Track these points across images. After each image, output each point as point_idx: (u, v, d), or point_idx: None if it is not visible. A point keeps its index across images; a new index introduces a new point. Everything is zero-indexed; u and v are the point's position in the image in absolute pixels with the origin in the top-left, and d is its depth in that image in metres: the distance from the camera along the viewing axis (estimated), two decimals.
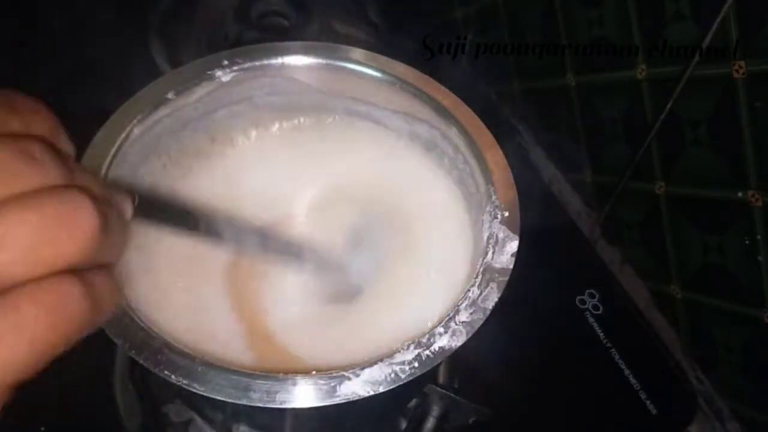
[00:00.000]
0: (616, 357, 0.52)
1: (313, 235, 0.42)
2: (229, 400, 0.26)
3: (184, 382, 0.27)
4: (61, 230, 0.17)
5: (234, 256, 0.37)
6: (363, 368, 0.28)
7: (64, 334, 0.17)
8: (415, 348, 0.29)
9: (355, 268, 0.40)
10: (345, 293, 0.39)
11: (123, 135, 0.34)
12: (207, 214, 0.32)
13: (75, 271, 0.18)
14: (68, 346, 0.18)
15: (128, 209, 0.21)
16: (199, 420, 0.43)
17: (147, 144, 0.37)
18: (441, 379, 0.47)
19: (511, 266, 0.32)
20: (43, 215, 0.17)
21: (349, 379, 0.27)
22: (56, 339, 0.17)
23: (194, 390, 0.27)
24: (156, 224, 0.27)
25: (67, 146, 0.20)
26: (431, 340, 0.29)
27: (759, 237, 0.44)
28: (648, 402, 0.50)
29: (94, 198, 0.18)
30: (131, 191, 0.22)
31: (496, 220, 0.34)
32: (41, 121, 0.20)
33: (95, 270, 0.19)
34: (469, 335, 0.29)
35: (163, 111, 0.37)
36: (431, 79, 0.40)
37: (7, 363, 0.16)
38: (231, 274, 0.38)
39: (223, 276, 0.38)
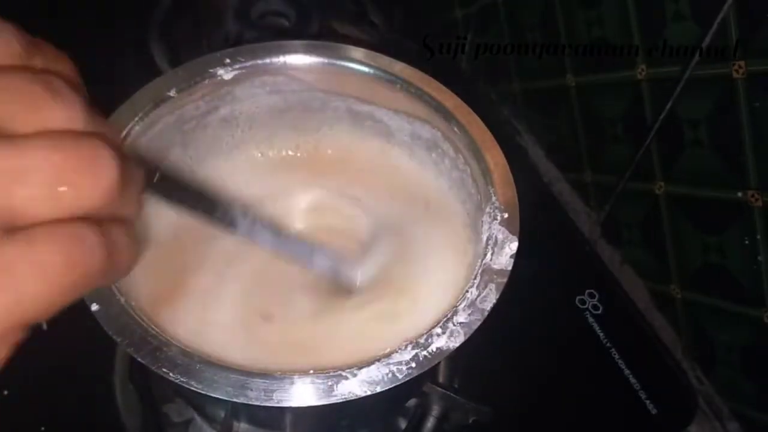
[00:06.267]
0: (616, 357, 0.52)
1: (312, 233, 0.42)
2: (227, 399, 0.27)
3: (182, 379, 0.27)
4: (82, 175, 0.17)
5: (245, 245, 0.37)
6: (360, 368, 0.28)
7: (80, 278, 0.17)
8: (413, 348, 0.29)
9: (355, 267, 0.40)
10: (342, 286, 0.39)
11: (123, 133, 0.35)
12: (225, 202, 0.32)
13: (93, 220, 0.18)
14: (81, 294, 0.18)
15: (141, 175, 0.21)
16: (199, 419, 0.43)
17: (147, 142, 0.37)
18: (441, 379, 0.47)
19: (510, 268, 0.32)
20: (66, 157, 0.17)
21: (346, 378, 0.27)
22: (71, 282, 0.17)
23: (192, 388, 0.27)
24: (175, 203, 0.27)
25: (86, 95, 0.20)
26: (429, 340, 0.29)
27: (759, 237, 0.44)
28: (648, 402, 0.50)
29: (115, 149, 0.18)
30: (153, 165, 0.22)
31: (495, 221, 0.34)
32: (62, 65, 0.20)
33: (113, 223, 0.19)
34: (467, 336, 0.29)
35: (164, 109, 0.37)
36: (432, 79, 0.40)
37: (23, 298, 0.16)
38: (234, 272, 0.38)
39: (226, 274, 0.38)
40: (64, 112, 0.17)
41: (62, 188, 0.17)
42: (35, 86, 0.17)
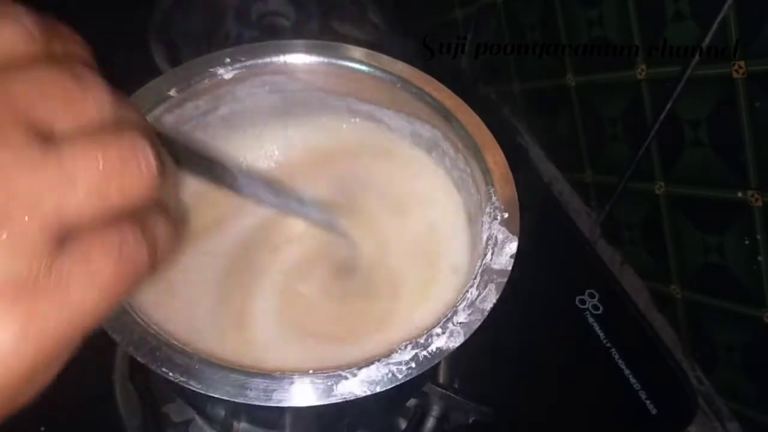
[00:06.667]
0: (616, 357, 0.52)
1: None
2: (226, 398, 0.27)
3: (182, 379, 0.27)
4: (126, 171, 0.16)
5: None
6: (360, 368, 0.28)
7: (129, 281, 0.17)
8: (413, 348, 0.29)
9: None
10: (346, 262, 0.39)
11: None
12: (225, 162, 0.31)
13: (135, 215, 0.17)
14: (129, 295, 0.17)
15: (166, 153, 0.20)
16: (199, 419, 0.43)
17: None
18: (441, 379, 0.47)
19: (510, 268, 0.32)
20: (108, 155, 0.16)
21: (346, 378, 0.27)
22: (123, 287, 0.17)
23: (191, 387, 0.27)
24: (180, 166, 0.26)
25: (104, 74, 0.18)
26: (429, 340, 0.29)
27: (759, 237, 0.44)
28: (648, 402, 0.50)
29: (148, 134, 0.17)
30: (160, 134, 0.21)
31: (495, 221, 0.34)
32: (78, 47, 0.19)
33: (153, 212, 0.18)
34: (467, 336, 0.29)
35: (163, 108, 0.37)
36: (433, 79, 0.40)
37: (81, 310, 0.16)
38: (231, 272, 0.38)
39: (224, 274, 0.38)
40: (94, 102, 0.17)
41: (109, 189, 0.16)
42: (65, 79, 0.16)
